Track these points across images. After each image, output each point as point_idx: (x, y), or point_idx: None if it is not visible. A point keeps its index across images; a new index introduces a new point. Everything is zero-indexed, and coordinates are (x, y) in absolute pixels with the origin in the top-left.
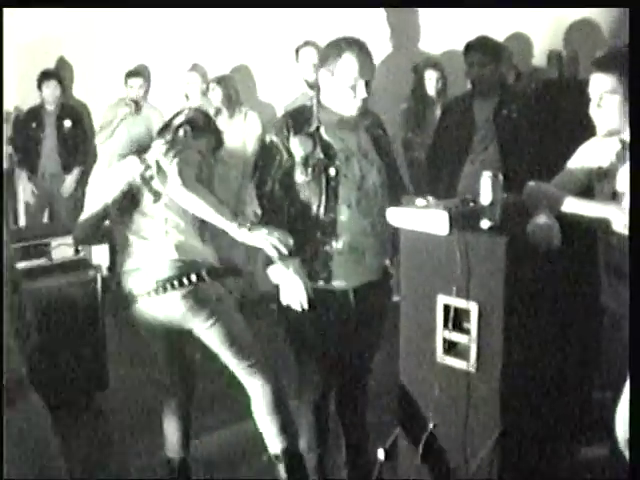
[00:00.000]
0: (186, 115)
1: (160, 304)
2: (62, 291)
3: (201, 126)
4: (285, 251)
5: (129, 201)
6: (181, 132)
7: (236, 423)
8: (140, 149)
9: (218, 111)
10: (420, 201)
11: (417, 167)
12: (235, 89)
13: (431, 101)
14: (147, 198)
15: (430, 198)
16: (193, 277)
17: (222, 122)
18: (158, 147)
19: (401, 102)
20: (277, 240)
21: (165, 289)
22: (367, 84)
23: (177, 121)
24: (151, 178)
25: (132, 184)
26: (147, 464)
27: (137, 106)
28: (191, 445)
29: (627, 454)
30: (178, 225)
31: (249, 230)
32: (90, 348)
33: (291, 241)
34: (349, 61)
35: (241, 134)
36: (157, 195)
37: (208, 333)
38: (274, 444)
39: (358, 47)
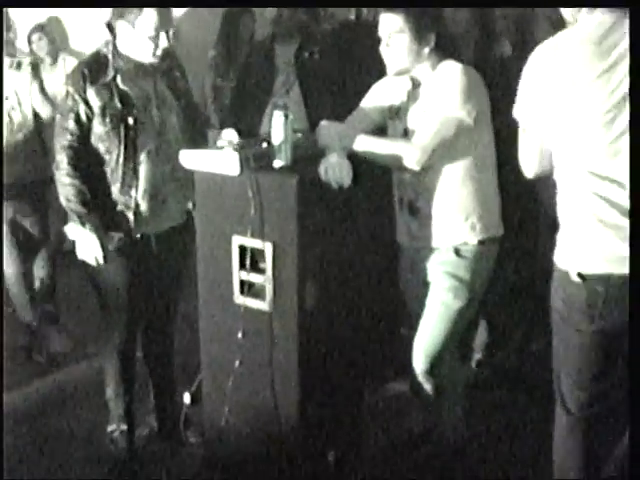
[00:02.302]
0: None
1: None
2: None
3: None
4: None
5: None
6: None
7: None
8: None
9: (41, 60)
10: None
11: (226, 113)
12: (54, 34)
13: (240, 47)
14: None
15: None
16: None
17: (45, 70)
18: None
19: (210, 48)
20: None
21: None
22: (167, 33)
23: None
24: None
25: None
26: None
27: None
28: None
29: (426, 386)
30: None
31: None
32: None
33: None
34: (149, 15)
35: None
36: None
37: None
38: None
39: None
